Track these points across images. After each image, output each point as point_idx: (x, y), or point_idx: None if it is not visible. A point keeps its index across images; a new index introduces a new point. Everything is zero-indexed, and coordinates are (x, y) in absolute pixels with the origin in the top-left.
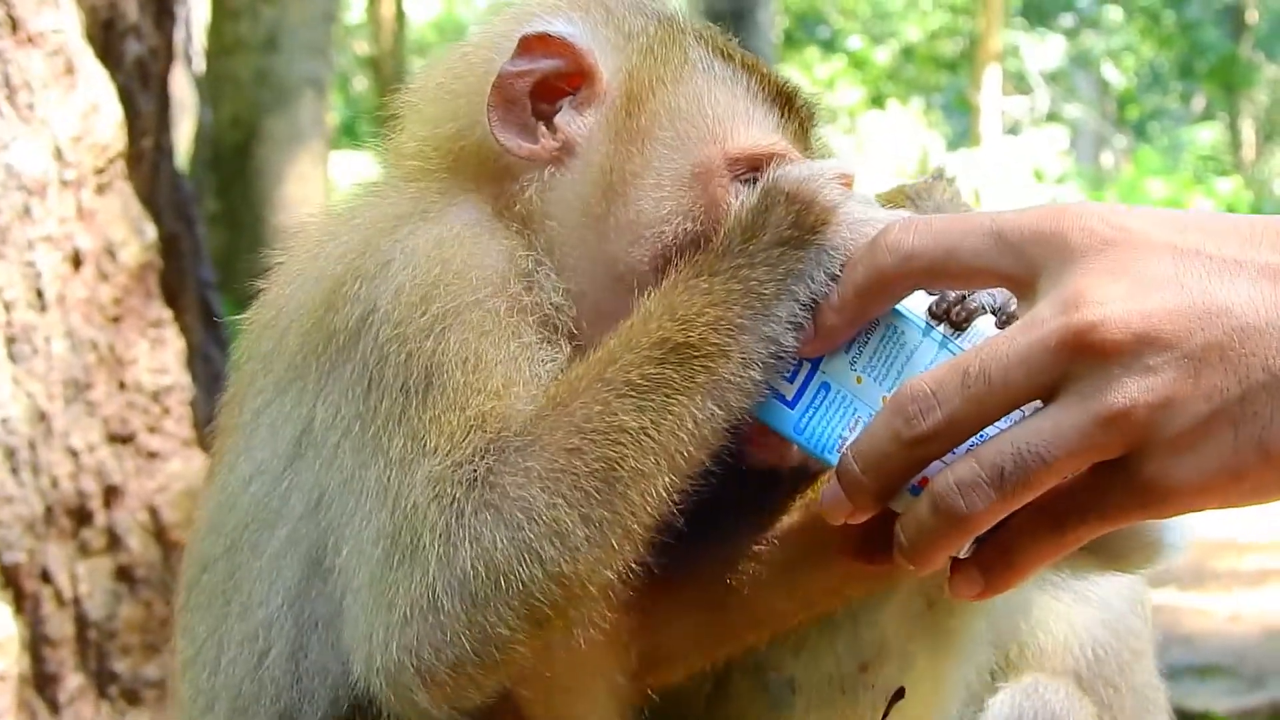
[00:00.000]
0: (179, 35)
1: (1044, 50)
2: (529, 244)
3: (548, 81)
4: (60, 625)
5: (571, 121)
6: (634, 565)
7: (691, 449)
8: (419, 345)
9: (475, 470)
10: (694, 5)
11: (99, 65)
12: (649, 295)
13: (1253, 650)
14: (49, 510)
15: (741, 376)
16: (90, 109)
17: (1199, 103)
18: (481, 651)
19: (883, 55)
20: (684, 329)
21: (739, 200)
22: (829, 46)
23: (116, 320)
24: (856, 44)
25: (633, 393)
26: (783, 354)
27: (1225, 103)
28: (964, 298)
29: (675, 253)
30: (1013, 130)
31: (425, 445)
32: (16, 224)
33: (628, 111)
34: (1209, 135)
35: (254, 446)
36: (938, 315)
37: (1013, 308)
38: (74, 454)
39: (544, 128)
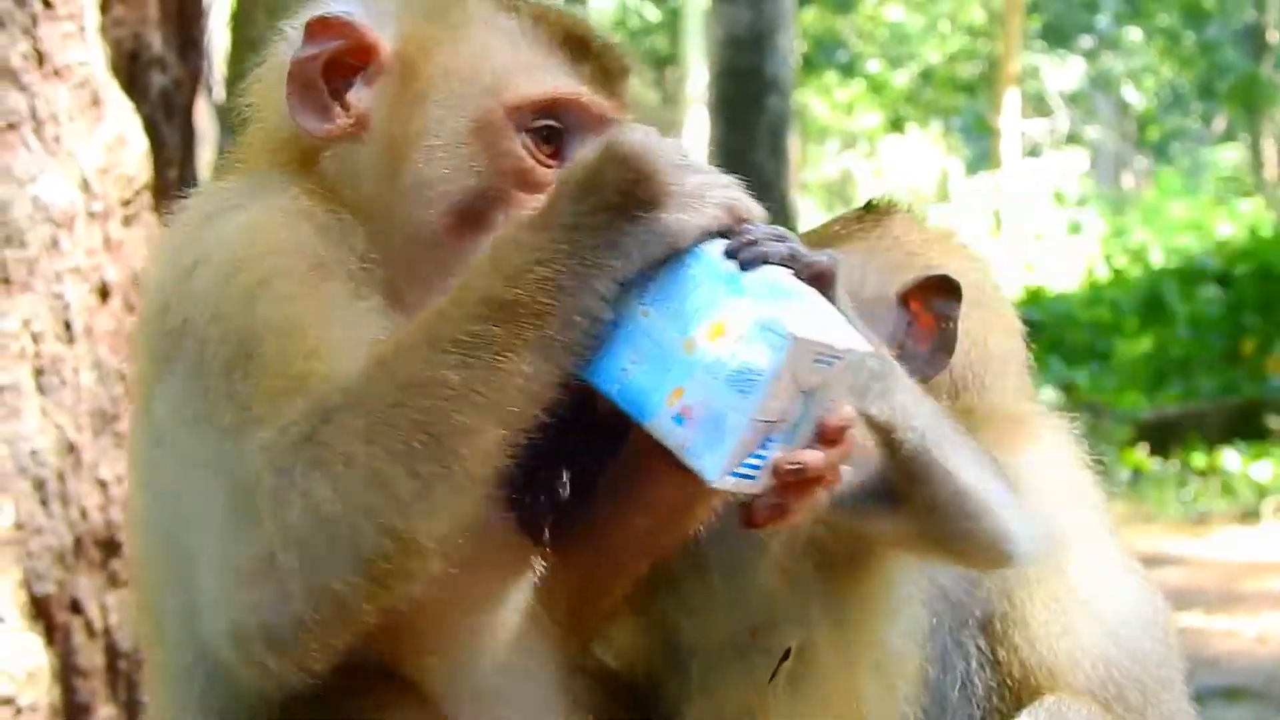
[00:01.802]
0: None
1: (1063, 72)
2: (339, 218)
3: (337, 61)
4: (91, 656)
5: (360, 96)
6: (473, 518)
7: (521, 404)
8: (234, 321)
9: (302, 431)
10: (713, 29)
11: (124, 97)
12: (479, 251)
13: None
14: (78, 541)
15: (568, 336)
16: (116, 141)
17: (1220, 123)
18: (322, 610)
19: (901, 78)
20: (510, 285)
21: (576, 153)
22: (848, 70)
23: None
24: (875, 67)
25: (456, 349)
26: (599, 320)
27: (1246, 123)
28: (756, 241)
29: (482, 210)
30: (1032, 152)
31: (252, 414)
32: (45, 256)
33: (405, 77)
34: (1231, 156)
35: (135, 453)
36: (729, 254)
37: (805, 258)
38: (103, 485)
39: (339, 106)
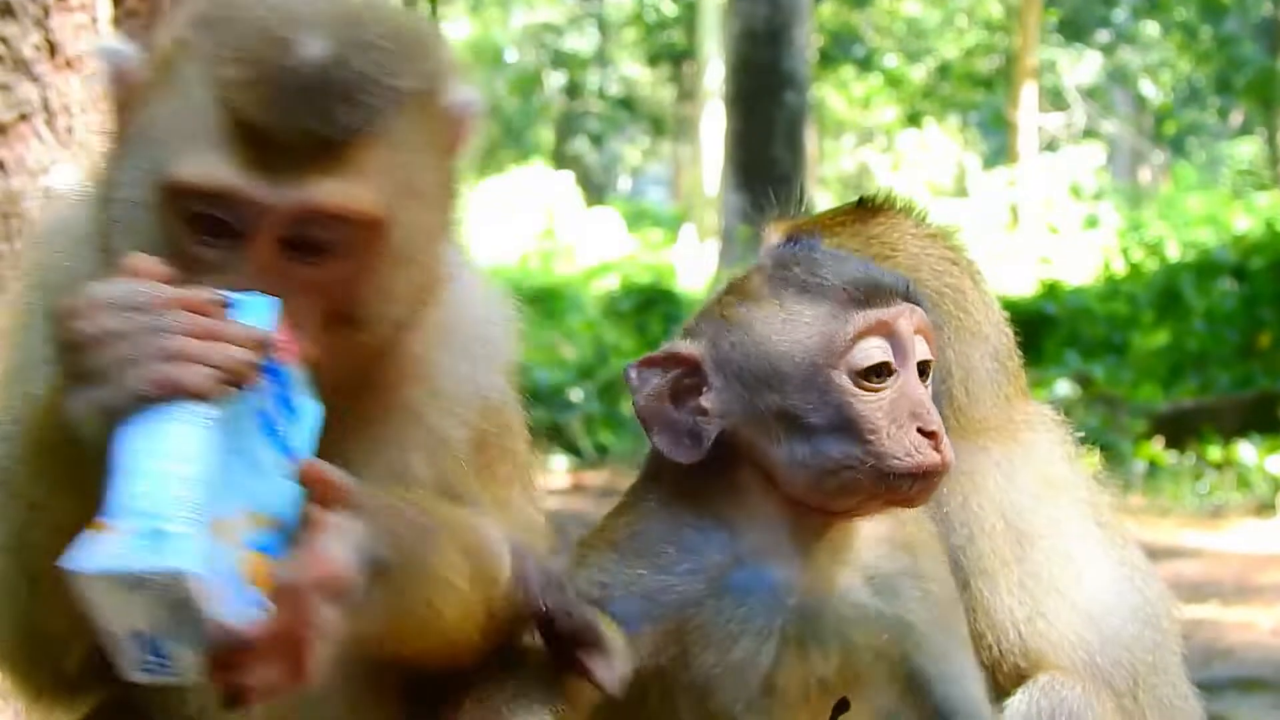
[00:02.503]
0: None
1: (1081, 66)
2: None
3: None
4: None
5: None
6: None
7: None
8: None
9: None
10: (730, 24)
11: None
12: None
13: None
14: None
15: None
16: None
17: (1237, 118)
18: None
19: (919, 73)
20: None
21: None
22: (865, 65)
23: None
24: (892, 62)
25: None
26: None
27: (1263, 117)
28: None
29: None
30: (1050, 147)
31: None
32: None
33: (120, 109)
34: (1247, 150)
35: None
36: None
37: None
38: None
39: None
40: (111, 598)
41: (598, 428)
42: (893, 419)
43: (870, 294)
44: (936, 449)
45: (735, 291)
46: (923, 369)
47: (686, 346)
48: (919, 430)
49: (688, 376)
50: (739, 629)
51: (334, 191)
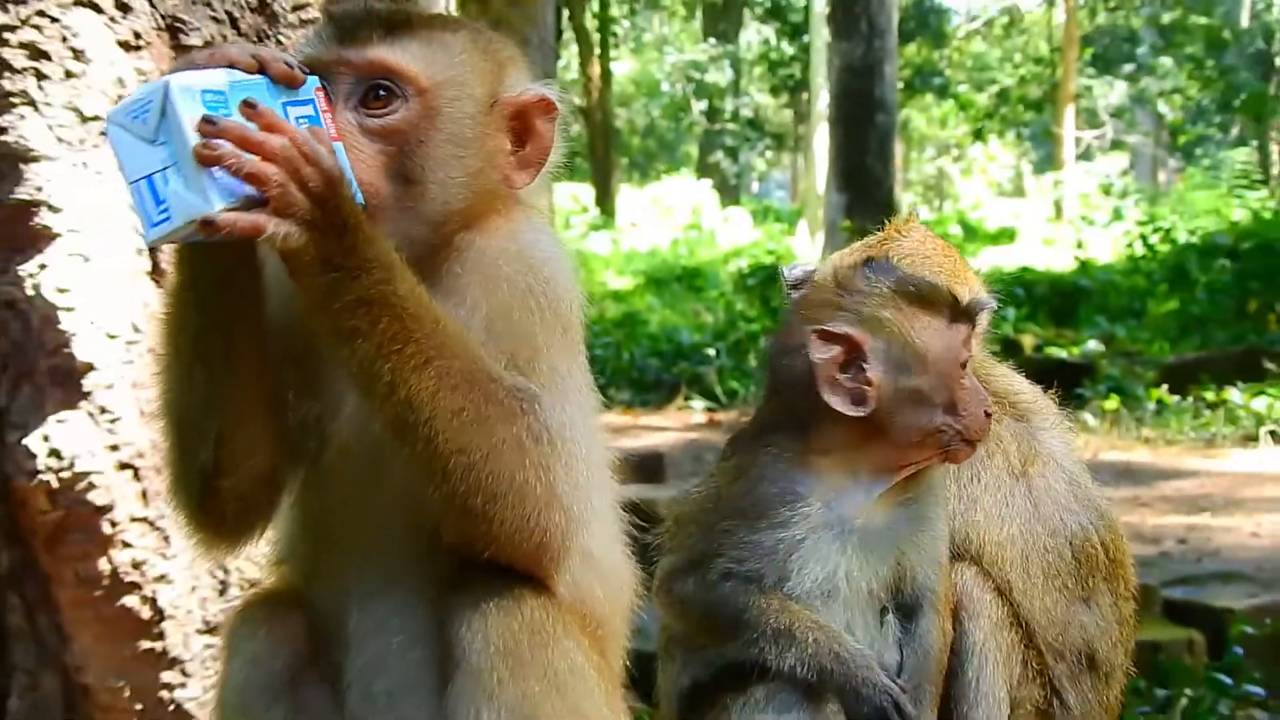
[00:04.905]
0: None
1: (1111, 92)
2: None
3: None
4: None
5: None
6: None
7: None
8: None
9: None
10: (834, 61)
11: None
12: None
13: (1268, 559)
14: None
15: None
16: None
17: (1235, 131)
18: None
19: (983, 98)
20: None
21: None
22: (941, 92)
23: None
24: (963, 89)
25: None
26: None
27: (1255, 130)
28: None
29: None
30: (1085, 155)
31: None
32: None
33: None
34: (1242, 156)
35: None
36: None
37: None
38: None
39: None
40: (127, 145)
41: (728, 377)
42: (974, 400)
43: (967, 309)
44: (989, 425)
45: (878, 297)
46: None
47: (856, 332)
48: (984, 411)
49: (851, 353)
50: (823, 548)
51: (387, 54)
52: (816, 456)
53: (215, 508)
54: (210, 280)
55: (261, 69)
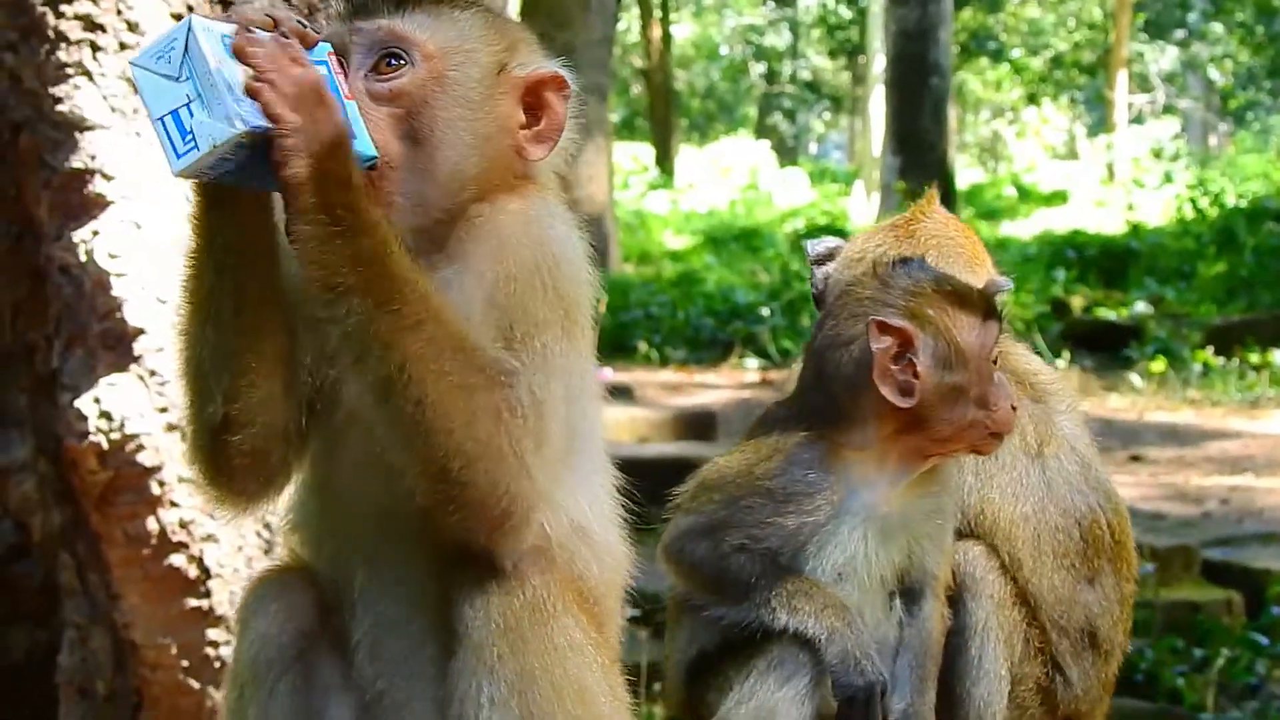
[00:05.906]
0: None
1: (1162, 57)
2: None
3: None
4: None
5: None
6: None
7: None
8: None
9: None
10: (890, 25)
11: None
12: None
13: None
14: None
15: None
16: None
17: None
18: None
19: (1038, 62)
20: None
21: None
22: (996, 56)
23: None
24: (1017, 54)
25: None
26: None
27: None
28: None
29: None
30: (1137, 120)
31: None
32: None
33: None
34: None
35: None
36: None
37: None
38: None
39: None
40: (151, 85)
41: (782, 336)
42: (1003, 394)
43: (994, 308)
44: (1015, 419)
45: (923, 295)
46: None
47: (908, 325)
48: (1011, 405)
49: (903, 346)
50: (844, 534)
51: (396, 23)
52: (851, 448)
53: (225, 464)
54: (223, 242)
55: (276, 27)
